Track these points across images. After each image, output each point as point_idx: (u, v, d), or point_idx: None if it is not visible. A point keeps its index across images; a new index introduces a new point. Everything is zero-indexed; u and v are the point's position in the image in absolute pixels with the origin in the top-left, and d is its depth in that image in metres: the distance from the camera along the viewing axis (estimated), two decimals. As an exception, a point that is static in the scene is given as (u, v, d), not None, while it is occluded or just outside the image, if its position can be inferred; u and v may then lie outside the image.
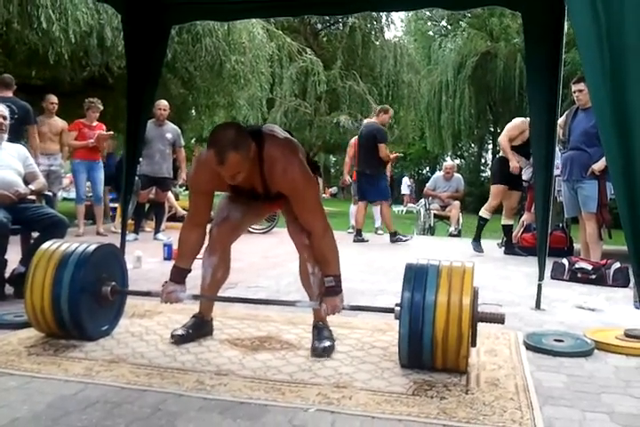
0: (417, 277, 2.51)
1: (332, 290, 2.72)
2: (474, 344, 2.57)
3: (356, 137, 8.96)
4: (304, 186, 2.66)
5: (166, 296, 2.80)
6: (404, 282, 2.51)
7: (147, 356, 2.68)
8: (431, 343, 2.41)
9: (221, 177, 2.58)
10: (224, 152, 2.42)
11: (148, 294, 3.05)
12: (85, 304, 2.80)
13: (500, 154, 7.05)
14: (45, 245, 2.94)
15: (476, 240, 7.02)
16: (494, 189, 7.03)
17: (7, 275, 3.88)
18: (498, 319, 2.62)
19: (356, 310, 2.93)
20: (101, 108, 7.85)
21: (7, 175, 4.04)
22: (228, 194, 2.96)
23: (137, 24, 4.24)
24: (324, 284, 2.74)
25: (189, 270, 2.86)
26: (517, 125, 6.84)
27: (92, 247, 2.90)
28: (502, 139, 6.95)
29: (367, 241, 8.04)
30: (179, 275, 2.83)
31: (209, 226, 2.92)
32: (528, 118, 6.75)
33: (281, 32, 15.60)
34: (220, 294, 3.13)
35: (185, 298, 2.84)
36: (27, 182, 4.18)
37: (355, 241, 7.93)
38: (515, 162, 6.68)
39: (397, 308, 2.52)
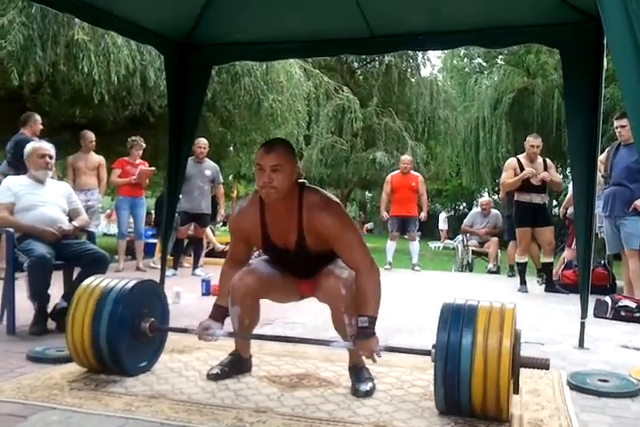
0: (453, 319, 2.40)
1: (365, 332, 2.59)
2: (516, 391, 2.44)
3: (393, 173, 9.34)
4: (345, 225, 2.68)
5: (200, 332, 2.82)
6: (439, 324, 2.41)
7: (186, 392, 2.69)
8: (469, 391, 2.31)
9: (257, 228, 2.71)
10: (275, 144, 2.62)
11: (184, 330, 3.07)
12: (124, 340, 2.82)
13: (515, 198, 6.94)
14: (87, 282, 2.99)
15: (522, 284, 6.96)
16: (518, 232, 6.99)
17: (49, 310, 3.95)
18: (542, 365, 2.48)
19: (391, 351, 2.78)
20: (144, 146, 8.02)
21: (52, 212, 4.15)
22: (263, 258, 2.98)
23: (179, 65, 4.38)
24: (358, 324, 2.61)
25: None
26: (511, 165, 6.91)
27: (132, 284, 2.92)
28: (502, 181, 7.05)
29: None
30: (218, 313, 2.88)
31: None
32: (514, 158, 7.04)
33: (318, 71, 15.76)
34: (257, 330, 3.13)
35: (220, 335, 2.85)
36: (70, 219, 4.28)
37: (509, 276, 8.48)
38: (527, 172, 6.64)
39: (434, 350, 2.42)
